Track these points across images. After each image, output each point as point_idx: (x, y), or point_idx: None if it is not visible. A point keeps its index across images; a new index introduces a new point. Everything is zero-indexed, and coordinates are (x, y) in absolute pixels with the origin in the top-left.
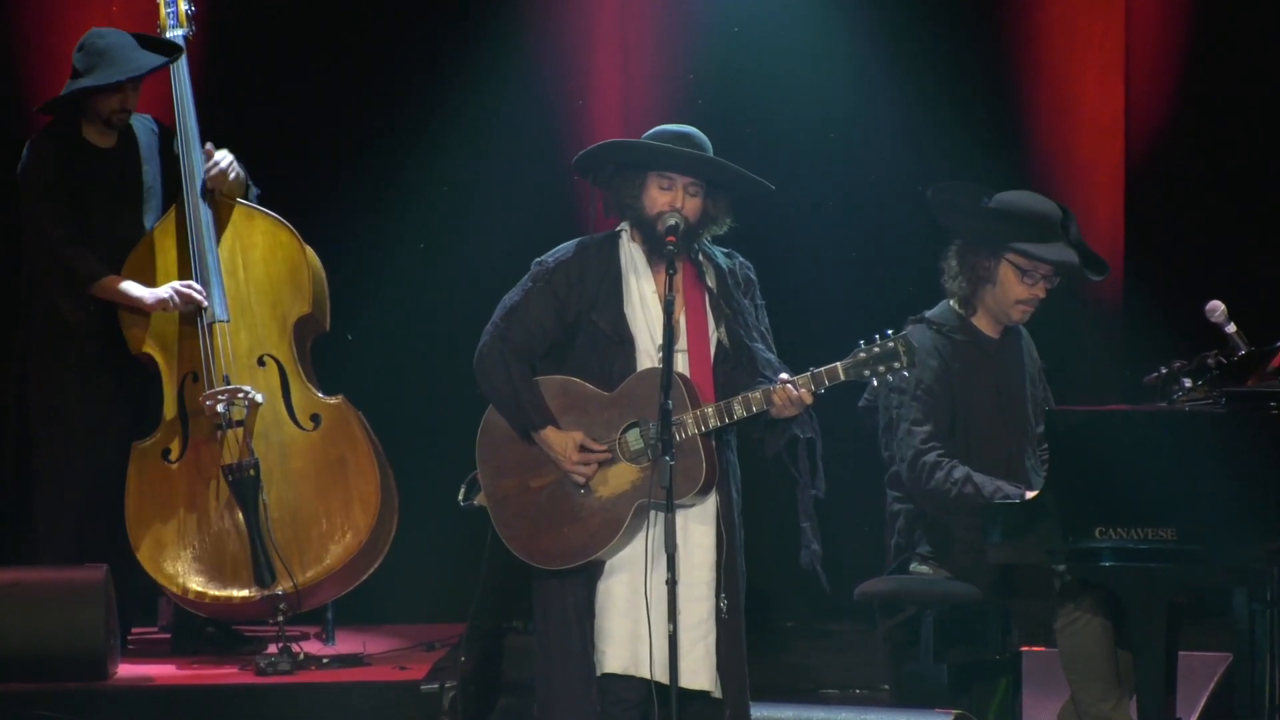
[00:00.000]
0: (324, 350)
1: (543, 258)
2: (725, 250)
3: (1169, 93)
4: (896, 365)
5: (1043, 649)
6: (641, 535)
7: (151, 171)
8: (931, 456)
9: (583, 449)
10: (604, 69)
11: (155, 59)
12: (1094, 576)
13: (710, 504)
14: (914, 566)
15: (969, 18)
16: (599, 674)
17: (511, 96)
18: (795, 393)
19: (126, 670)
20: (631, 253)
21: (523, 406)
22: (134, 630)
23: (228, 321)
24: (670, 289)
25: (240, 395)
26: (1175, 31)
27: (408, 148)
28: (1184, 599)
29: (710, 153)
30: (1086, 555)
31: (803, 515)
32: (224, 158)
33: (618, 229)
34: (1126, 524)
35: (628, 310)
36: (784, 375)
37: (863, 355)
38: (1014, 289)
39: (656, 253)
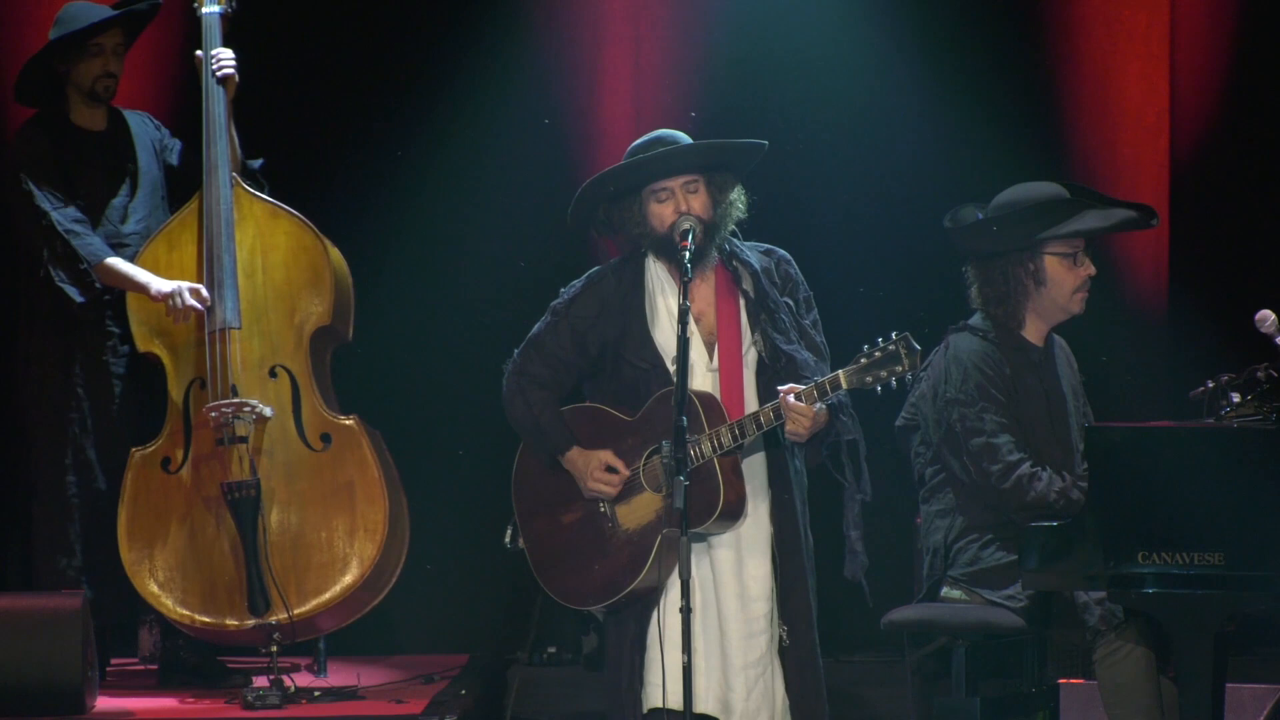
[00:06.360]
0: (338, 365)
1: (561, 294)
2: (764, 247)
3: (1216, 88)
4: (899, 369)
5: (1081, 681)
6: (693, 564)
7: (145, 157)
8: (1026, 467)
9: (609, 469)
10: (614, 64)
11: (114, 12)
12: (1137, 604)
13: (764, 530)
14: (946, 591)
15: (1003, 8)
16: (646, 709)
17: (517, 93)
18: (800, 405)
19: (105, 704)
20: (657, 273)
21: (543, 431)
22: (113, 661)
23: (239, 328)
24: (684, 297)
25: (247, 409)
26: (1222, 23)
27: (409, 148)
28: (1232, 628)
29: (690, 142)
30: (1128, 581)
31: (850, 523)
32: (230, 57)
33: (643, 249)
34: (1171, 548)
35: (657, 335)
36: (786, 386)
37: (864, 360)
38: (1066, 280)
39: (682, 267)
